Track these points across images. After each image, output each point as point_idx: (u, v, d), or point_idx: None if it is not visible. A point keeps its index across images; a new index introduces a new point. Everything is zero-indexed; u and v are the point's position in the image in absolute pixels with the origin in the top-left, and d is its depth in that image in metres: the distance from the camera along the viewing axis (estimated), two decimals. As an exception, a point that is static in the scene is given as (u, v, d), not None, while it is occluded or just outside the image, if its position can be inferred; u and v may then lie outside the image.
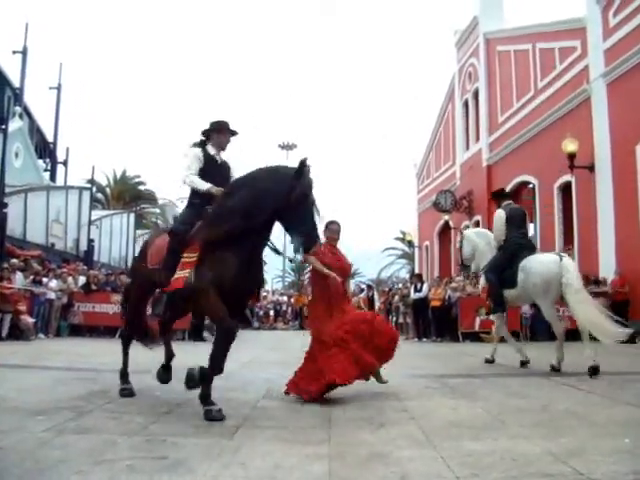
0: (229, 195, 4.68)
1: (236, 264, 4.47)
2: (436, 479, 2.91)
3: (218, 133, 5.23)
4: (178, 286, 4.56)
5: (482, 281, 9.47)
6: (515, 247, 8.01)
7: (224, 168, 5.27)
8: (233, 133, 5.35)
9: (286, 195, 4.43)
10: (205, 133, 5.27)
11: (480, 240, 8.88)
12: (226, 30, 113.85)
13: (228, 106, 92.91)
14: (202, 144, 5.22)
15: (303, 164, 4.49)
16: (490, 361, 8.65)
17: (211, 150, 5.20)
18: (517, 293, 7.94)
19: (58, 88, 30.45)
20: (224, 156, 5.35)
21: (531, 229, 22.78)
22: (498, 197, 8.99)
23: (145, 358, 6.96)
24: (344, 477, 2.93)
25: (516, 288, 7.83)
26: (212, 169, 5.11)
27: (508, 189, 21.37)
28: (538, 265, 7.61)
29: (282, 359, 9.25)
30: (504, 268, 8.01)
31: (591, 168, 16.00)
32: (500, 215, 8.25)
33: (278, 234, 4.96)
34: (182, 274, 4.56)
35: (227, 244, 4.46)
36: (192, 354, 8.84)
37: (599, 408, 4.77)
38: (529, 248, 8.17)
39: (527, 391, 5.76)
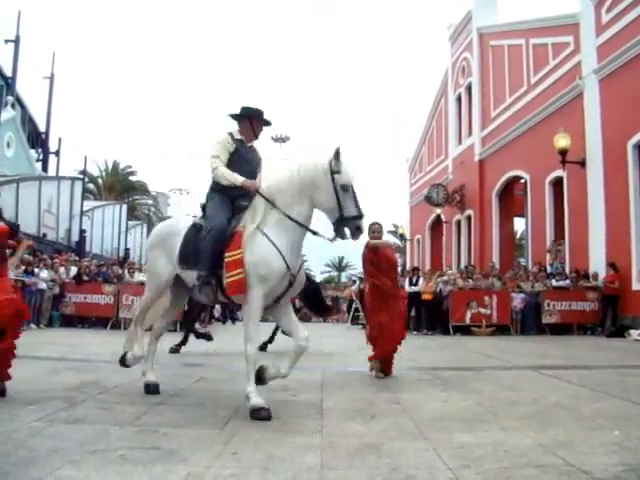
0: None
1: None
2: (428, 470, 2.92)
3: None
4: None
5: None
6: None
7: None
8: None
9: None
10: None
11: None
12: (220, 22, 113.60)
13: (221, 98, 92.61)
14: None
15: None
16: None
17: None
18: None
19: (51, 78, 30.26)
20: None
21: (522, 224, 22.89)
22: None
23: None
24: (336, 468, 2.94)
25: None
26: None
27: (500, 183, 21.48)
28: None
29: (274, 350, 9.25)
30: None
31: (583, 163, 16.04)
32: None
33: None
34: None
35: None
36: (189, 344, 8.86)
37: (588, 401, 4.81)
38: None
39: (518, 384, 5.80)
